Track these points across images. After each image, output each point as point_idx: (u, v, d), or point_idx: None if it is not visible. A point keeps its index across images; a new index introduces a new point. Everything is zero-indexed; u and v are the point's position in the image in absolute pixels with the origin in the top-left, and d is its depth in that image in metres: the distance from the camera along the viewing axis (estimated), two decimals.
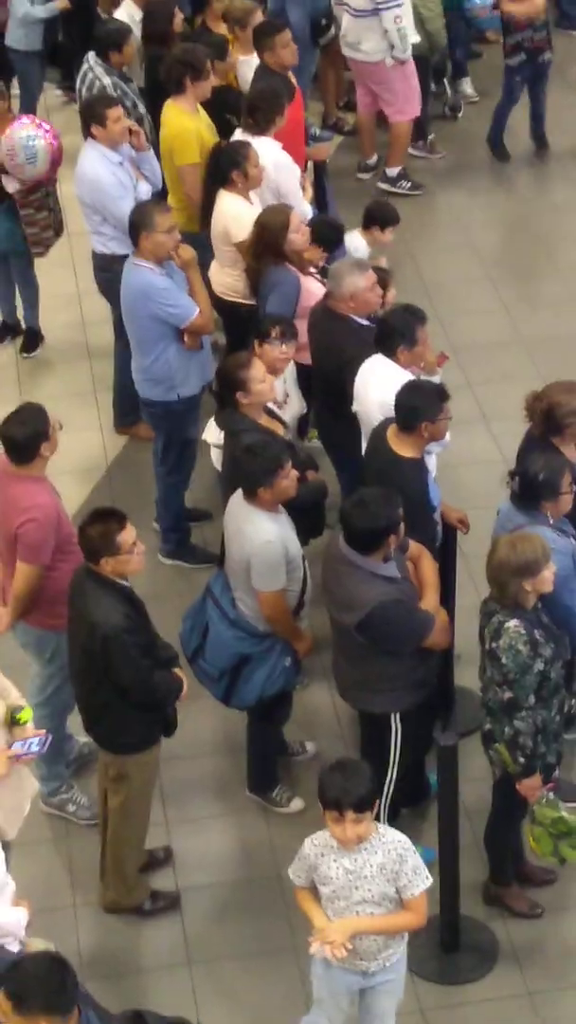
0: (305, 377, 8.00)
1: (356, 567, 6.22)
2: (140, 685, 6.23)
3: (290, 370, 7.65)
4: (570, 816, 6.17)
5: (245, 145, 8.46)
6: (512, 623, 6.02)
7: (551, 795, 6.15)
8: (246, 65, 9.80)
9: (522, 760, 6.10)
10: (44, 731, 6.05)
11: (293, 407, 7.78)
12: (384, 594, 6.19)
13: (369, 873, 5.45)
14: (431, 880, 5.51)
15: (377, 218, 8.52)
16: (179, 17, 9.94)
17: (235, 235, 8.34)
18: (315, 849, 5.56)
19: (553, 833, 6.17)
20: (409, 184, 11.25)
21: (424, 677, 6.51)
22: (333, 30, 11.17)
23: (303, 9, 11.10)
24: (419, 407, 6.70)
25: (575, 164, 11.61)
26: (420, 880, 5.45)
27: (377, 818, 6.71)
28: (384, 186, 11.21)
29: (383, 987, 5.70)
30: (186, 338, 7.88)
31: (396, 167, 11.22)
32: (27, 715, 5.99)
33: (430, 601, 6.48)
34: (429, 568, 6.56)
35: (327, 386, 7.71)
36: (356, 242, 8.49)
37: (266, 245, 7.96)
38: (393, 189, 11.15)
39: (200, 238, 8.54)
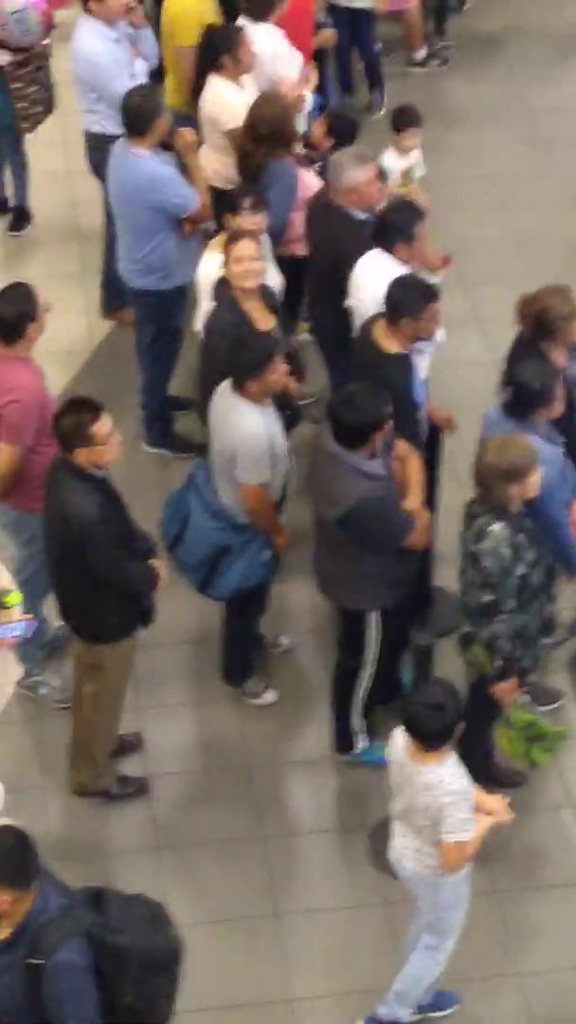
0: (300, 270, 7.89)
1: (341, 462, 6.18)
2: (115, 576, 6.20)
3: (264, 240, 7.49)
4: (543, 721, 6.20)
5: (238, 30, 8.29)
6: (496, 526, 5.99)
7: (526, 698, 6.18)
8: None
9: (499, 663, 6.11)
10: (31, 616, 6.03)
11: (272, 279, 7.64)
12: (367, 490, 6.16)
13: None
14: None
15: (399, 119, 8.41)
16: None
17: (223, 122, 8.20)
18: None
19: (526, 736, 6.20)
20: (438, 61, 11.39)
21: (403, 576, 6.50)
22: None
23: None
24: (404, 301, 6.64)
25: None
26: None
27: (350, 713, 6.77)
28: (415, 70, 11.32)
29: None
30: (186, 226, 7.77)
31: (420, 49, 11.30)
32: (15, 599, 5.96)
33: (413, 501, 6.45)
34: (415, 468, 6.53)
35: (322, 279, 7.62)
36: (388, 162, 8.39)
37: (263, 136, 7.80)
38: (425, 70, 11.31)
39: (194, 120, 8.39)
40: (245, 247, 6.98)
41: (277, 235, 7.84)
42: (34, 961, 4.75)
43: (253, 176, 7.86)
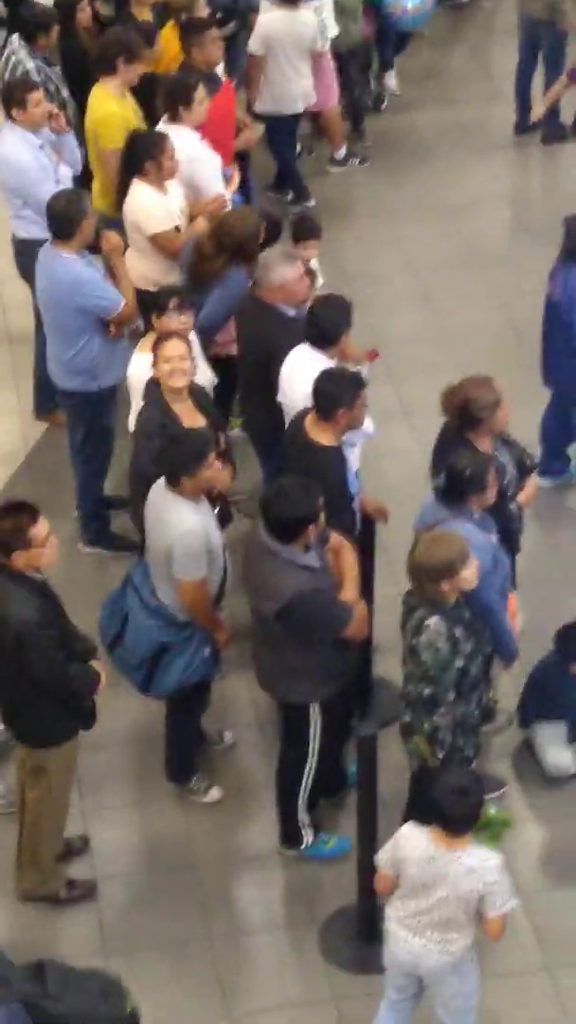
0: (233, 368, 7.98)
1: (276, 556, 6.22)
2: (55, 679, 6.18)
3: (193, 338, 7.56)
4: (488, 809, 6.21)
5: (162, 136, 8.41)
6: (432, 620, 6.04)
7: None
8: None
9: (441, 754, 6.13)
10: None
11: (203, 376, 7.71)
12: (303, 583, 6.20)
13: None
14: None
15: (298, 233, 8.50)
16: (86, 12, 9.86)
17: (144, 226, 8.30)
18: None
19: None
20: (358, 159, 11.62)
21: (342, 667, 6.52)
22: (233, 24, 11.09)
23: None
24: (335, 394, 6.72)
25: (504, 157, 11.69)
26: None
27: (296, 807, 6.75)
28: (335, 169, 11.53)
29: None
30: (112, 328, 7.84)
31: (340, 149, 11.51)
32: None
33: (350, 592, 6.49)
34: (349, 559, 6.58)
35: (253, 376, 7.71)
36: None
37: (226, 247, 7.87)
38: (345, 168, 11.53)
39: (120, 223, 8.49)
40: (172, 347, 7.05)
41: (211, 335, 7.94)
42: None
43: (204, 280, 7.94)
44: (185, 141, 8.58)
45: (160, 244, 8.31)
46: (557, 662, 7.17)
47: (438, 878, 5.48)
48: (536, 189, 11.86)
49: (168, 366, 7.03)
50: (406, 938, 5.65)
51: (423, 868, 5.50)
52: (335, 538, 6.56)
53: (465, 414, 6.75)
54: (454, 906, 5.52)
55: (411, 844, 5.52)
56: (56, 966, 5.10)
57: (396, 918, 5.69)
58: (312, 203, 10.93)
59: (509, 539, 6.88)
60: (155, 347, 7.13)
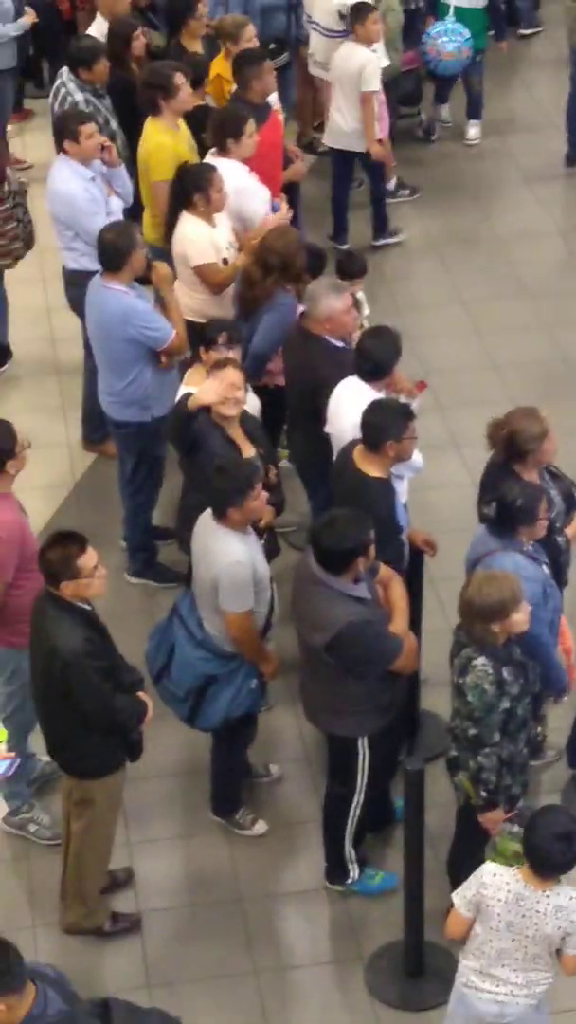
0: (280, 399, 7.97)
1: (326, 587, 6.19)
2: (101, 710, 6.17)
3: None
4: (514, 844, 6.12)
5: (211, 168, 8.42)
6: (479, 661, 5.97)
7: (514, 828, 6.11)
8: None
9: (484, 795, 6.08)
10: (13, 754, 5.97)
11: (251, 405, 7.69)
12: (353, 614, 6.16)
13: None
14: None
15: (345, 269, 8.51)
16: (141, 40, 9.92)
17: (191, 258, 8.32)
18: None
19: (513, 865, 6.13)
20: (408, 191, 11.57)
21: (390, 701, 6.48)
22: (287, 55, 11.14)
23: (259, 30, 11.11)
24: (383, 426, 6.70)
25: (553, 188, 11.66)
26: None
27: (342, 842, 6.69)
28: (388, 201, 11.40)
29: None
30: (163, 359, 7.86)
31: (390, 180, 11.41)
32: (1, 736, 5.90)
33: (399, 625, 6.45)
34: (399, 592, 6.54)
35: (300, 407, 7.70)
36: None
37: (272, 267, 7.90)
38: (396, 200, 11.42)
39: (170, 254, 8.52)
40: (232, 374, 7.04)
41: (264, 362, 7.93)
42: None
43: (254, 305, 7.95)
44: (233, 173, 8.59)
45: (204, 275, 8.32)
46: None
47: (526, 917, 5.40)
48: None
49: (227, 393, 7.00)
50: (490, 989, 5.54)
51: (511, 908, 5.40)
52: (384, 570, 6.53)
53: (512, 446, 6.71)
54: (540, 945, 5.44)
55: (498, 883, 5.42)
56: (120, 1004, 4.97)
57: (476, 970, 5.56)
58: (345, 246, 10.90)
59: (558, 572, 6.81)
60: (211, 373, 7.10)
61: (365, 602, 6.25)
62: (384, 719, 6.46)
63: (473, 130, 12.16)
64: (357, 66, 10.36)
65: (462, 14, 11.48)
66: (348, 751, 6.50)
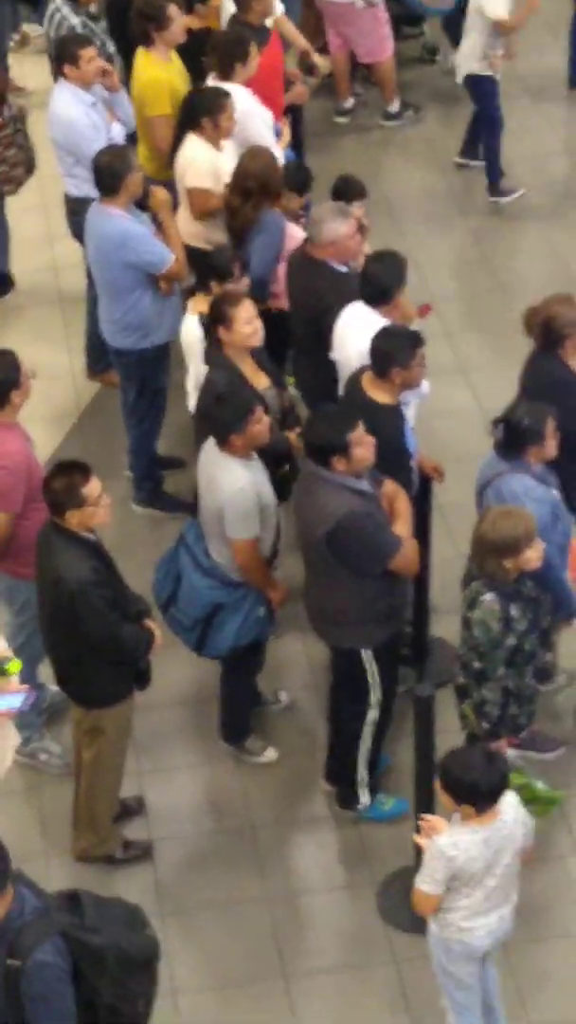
0: (282, 323, 7.90)
1: (326, 480, 6.20)
2: (109, 639, 6.16)
3: None
4: (536, 784, 6.12)
5: (224, 94, 8.28)
6: (487, 597, 5.93)
7: (519, 758, 6.13)
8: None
9: (486, 726, 6.07)
10: (28, 687, 5.97)
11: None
12: (354, 505, 6.16)
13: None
14: None
15: (343, 193, 8.40)
16: None
17: (188, 179, 8.21)
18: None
19: (521, 797, 6.13)
20: (410, 111, 11.37)
21: (391, 608, 6.43)
22: None
23: None
24: (391, 352, 6.64)
25: (558, 109, 11.49)
26: None
27: (355, 765, 6.68)
28: (389, 123, 11.29)
29: None
30: (162, 284, 7.78)
31: (393, 102, 11.25)
32: (15, 667, 5.90)
33: (401, 529, 6.42)
34: (403, 505, 6.51)
35: (305, 332, 7.63)
36: None
37: (250, 190, 7.82)
38: (399, 123, 11.26)
39: (169, 184, 8.40)
40: (248, 308, 6.99)
41: (266, 286, 7.86)
42: (12, 962, 4.79)
43: (242, 233, 7.88)
44: (237, 97, 8.47)
45: (192, 199, 8.21)
46: None
47: (500, 850, 5.39)
48: None
49: (250, 327, 6.98)
50: (485, 924, 5.51)
51: (485, 854, 5.36)
52: (390, 484, 6.48)
53: (549, 331, 6.75)
54: (514, 860, 5.45)
55: (462, 847, 5.33)
56: (89, 895, 5.11)
57: (466, 915, 5.49)
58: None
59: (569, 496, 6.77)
60: (221, 311, 7.02)
61: (366, 496, 6.24)
62: (385, 630, 6.41)
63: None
64: None
65: None
66: (352, 665, 6.47)
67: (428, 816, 5.49)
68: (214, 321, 7.04)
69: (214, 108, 8.18)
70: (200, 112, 8.23)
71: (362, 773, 6.74)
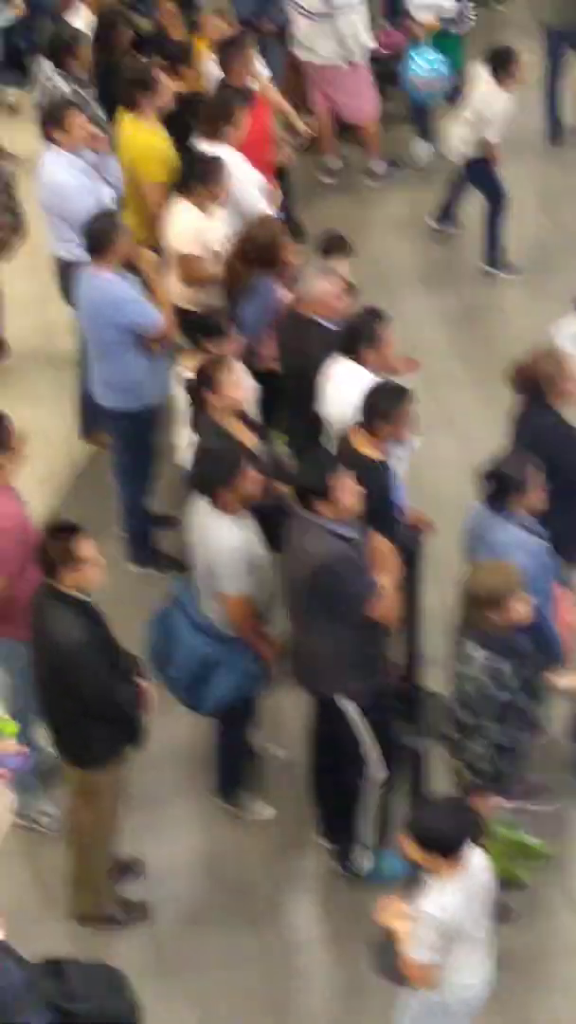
0: (270, 382, 7.99)
1: (311, 523, 6.24)
2: (103, 699, 6.18)
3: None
4: (528, 837, 6.13)
5: (220, 164, 8.30)
6: (479, 654, 5.93)
7: (509, 813, 6.13)
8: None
9: (478, 781, 6.08)
10: (25, 748, 5.99)
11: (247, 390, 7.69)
12: (337, 549, 6.21)
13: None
14: None
15: (327, 249, 8.47)
16: (129, 35, 9.85)
17: (175, 245, 8.28)
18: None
19: (508, 852, 6.15)
20: (396, 168, 11.43)
21: (367, 658, 6.42)
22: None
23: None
24: (380, 407, 6.71)
25: (534, 165, 11.62)
26: None
27: (353, 828, 6.68)
28: (375, 184, 11.34)
29: None
30: (153, 346, 7.87)
31: (378, 162, 11.32)
32: (11, 728, 5.92)
33: (385, 582, 6.40)
34: (389, 557, 6.51)
35: (294, 390, 7.70)
36: None
37: (252, 259, 7.91)
38: (385, 182, 11.33)
39: (157, 249, 8.48)
40: (236, 371, 7.07)
41: (252, 351, 7.94)
42: None
43: (238, 295, 7.94)
44: (229, 161, 8.51)
45: (183, 266, 8.28)
46: None
47: (479, 896, 5.38)
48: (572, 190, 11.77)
49: (238, 391, 7.07)
50: (483, 974, 5.55)
51: (466, 904, 5.33)
52: (375, 537, 6.51)
53: (538, 385, 6.87)
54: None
55: (452, 909, 5.29)
56: (71, 962, 5.08)
57: (470, 972, 5.49)
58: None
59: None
60: (208, 375, 7.09)
61: (351, 541, 6.28)
62: (363, 681, 6.40)
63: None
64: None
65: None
66: (332, 717, 6.45)
67: (383, 900, 5.45)
68: (201, 385, 7.12)
69: (207, 175, 8.26)
70: (194, 178, 8.30)
71: (364, 834, 6.73)
